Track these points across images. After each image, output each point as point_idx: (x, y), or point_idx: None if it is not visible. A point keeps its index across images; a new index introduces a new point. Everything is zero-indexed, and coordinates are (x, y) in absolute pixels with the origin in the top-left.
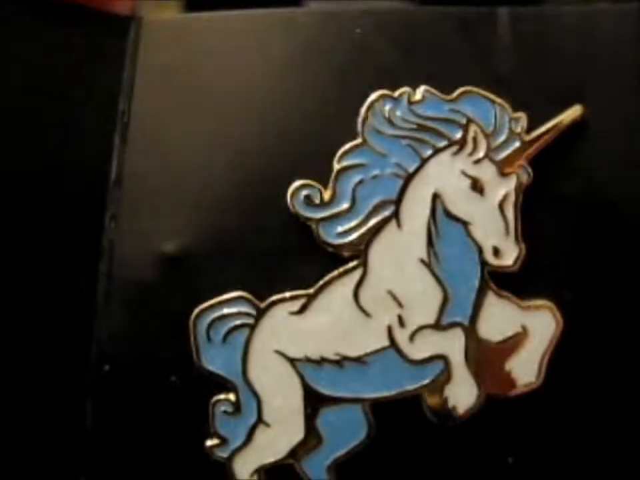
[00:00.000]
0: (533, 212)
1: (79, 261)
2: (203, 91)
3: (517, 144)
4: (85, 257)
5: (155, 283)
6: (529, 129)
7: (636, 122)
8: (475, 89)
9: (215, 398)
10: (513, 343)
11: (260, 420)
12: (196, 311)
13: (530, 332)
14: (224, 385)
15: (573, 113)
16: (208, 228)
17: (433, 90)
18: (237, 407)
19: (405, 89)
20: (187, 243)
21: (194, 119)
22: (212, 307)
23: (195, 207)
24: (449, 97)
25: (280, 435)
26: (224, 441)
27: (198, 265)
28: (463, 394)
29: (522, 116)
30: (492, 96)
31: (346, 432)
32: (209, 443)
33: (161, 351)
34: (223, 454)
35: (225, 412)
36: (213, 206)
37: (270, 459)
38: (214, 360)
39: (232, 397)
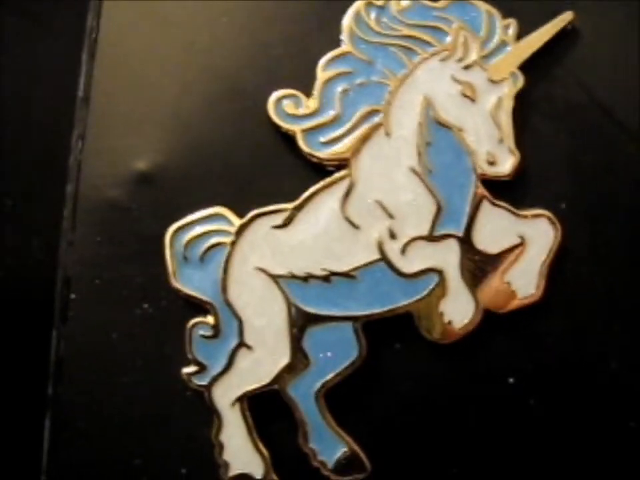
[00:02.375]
0: (527, 119)
1: (43, 184)
2: (174, 3)
3: (508, 50)
4: (50, 178)
5: (125, 203)
6: (520, 35)
7: (624, 27)
8: None
9: (192, 321)
10: (510, 254)
11: (241, 343)
12: (171, 229)
13: (528, 241)
14: (201, 307)
15: (563, 19)
16: (181, 143)
17: None
18: (216, 330)
19: None
20: (160, 159)
21: (164, 31)
22: (188, 224)
23: (166, 122)
24: (436, 4)
25: (264, 359)
26: (202, 368)
27: (172, 182)
28: (459, 309)
29: (512, 22)
30: (481, 2)
31: (336, 352)
32: (186, 370)
33: (133, 275)
34: (201, 381)
35: (203, 336)
36: (186, 120)
37: (253, 385)
38: (191, 280)
39: (210, 319)
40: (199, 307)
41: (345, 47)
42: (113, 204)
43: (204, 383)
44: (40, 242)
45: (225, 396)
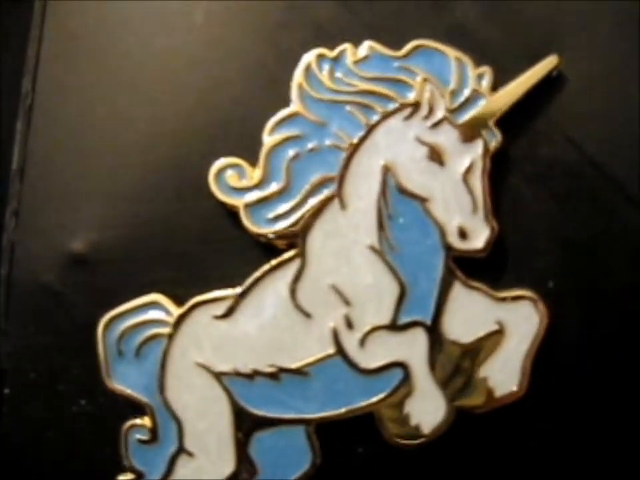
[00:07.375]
0: (506, 183)
1: None
2: (114, 63)
3: (482, 103)
4: None
5: (59, 288)
6: (496, 86)
7: (618, 72)
8: (428, 42)
9: (128, 423)
10: (487, 344)
11: (181, 449)
12: (104, 319)
13: (508, 329)
14: (139, 407)
15: (547, 64)
16: (119, 220)
17: (378, 45)
18: (153, 433)
19: (345, 45)
20: (96, 238)
21: (104, 96)
22: (122, 314)
23: (104, 197)
24: (398, 53)
25: (206, 467)
26: (139, 475)
27: (108, 265)
28: (427, 409)
29: (486, 70)
30: (449, 49)
31: (286, 461)
32: (121, 478)
33: (69, 368)
34: None
35: (139, 440)
36: (124, 194)
37: None
38: (126, 377)
39: (147, 421)
40: (139, 405)
41: (294, 107)
42: (47, 288)
43: None
44: None
45: None
